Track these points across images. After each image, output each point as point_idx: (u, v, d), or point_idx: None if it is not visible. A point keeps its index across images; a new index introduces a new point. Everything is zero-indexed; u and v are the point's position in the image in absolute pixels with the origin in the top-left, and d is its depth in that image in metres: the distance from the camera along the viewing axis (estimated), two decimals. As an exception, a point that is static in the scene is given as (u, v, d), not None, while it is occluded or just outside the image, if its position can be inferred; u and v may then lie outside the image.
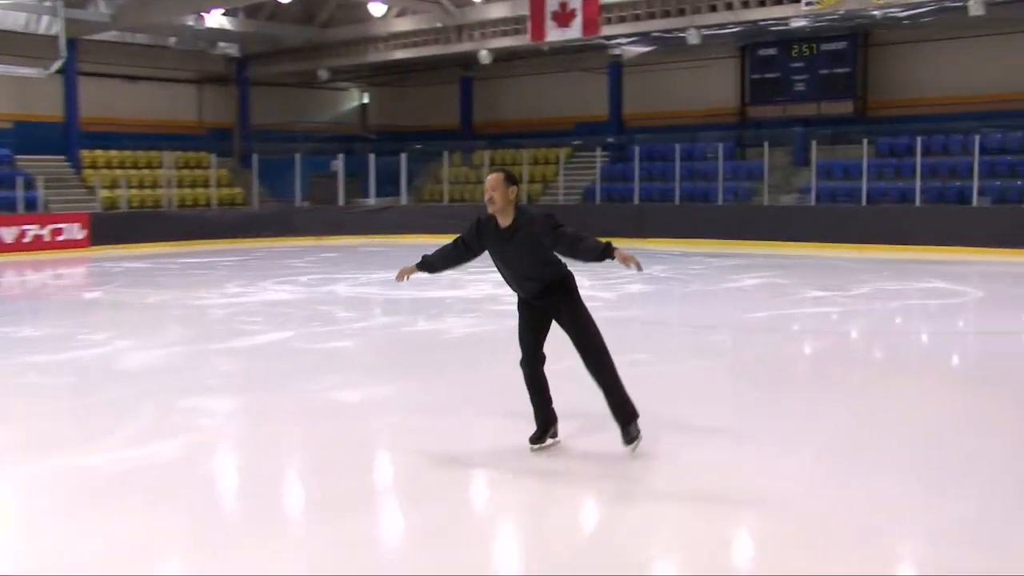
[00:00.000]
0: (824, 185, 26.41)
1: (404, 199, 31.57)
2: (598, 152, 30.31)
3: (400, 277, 6.37)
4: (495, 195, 6.11)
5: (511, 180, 6.15)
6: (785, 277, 17.53)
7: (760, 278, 17.46)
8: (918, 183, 24.52)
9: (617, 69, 32.32)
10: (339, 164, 30.94)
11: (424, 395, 8.15)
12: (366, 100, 39.49)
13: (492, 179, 6.12)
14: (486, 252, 6.33)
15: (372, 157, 31.18)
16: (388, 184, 31.81)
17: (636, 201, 28.25)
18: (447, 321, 12.55)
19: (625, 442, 6.18)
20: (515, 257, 6.13)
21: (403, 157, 31.22)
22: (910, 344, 11.12)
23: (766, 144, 27.31)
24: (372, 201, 31.17)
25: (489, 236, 6.22)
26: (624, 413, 6.20)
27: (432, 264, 6.45)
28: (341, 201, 30.83)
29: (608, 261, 5.71)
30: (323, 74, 33.46)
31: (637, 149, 29.63)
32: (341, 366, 9.58)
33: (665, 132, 31.12)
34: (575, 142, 32.17)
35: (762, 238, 24.63)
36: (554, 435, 6.47)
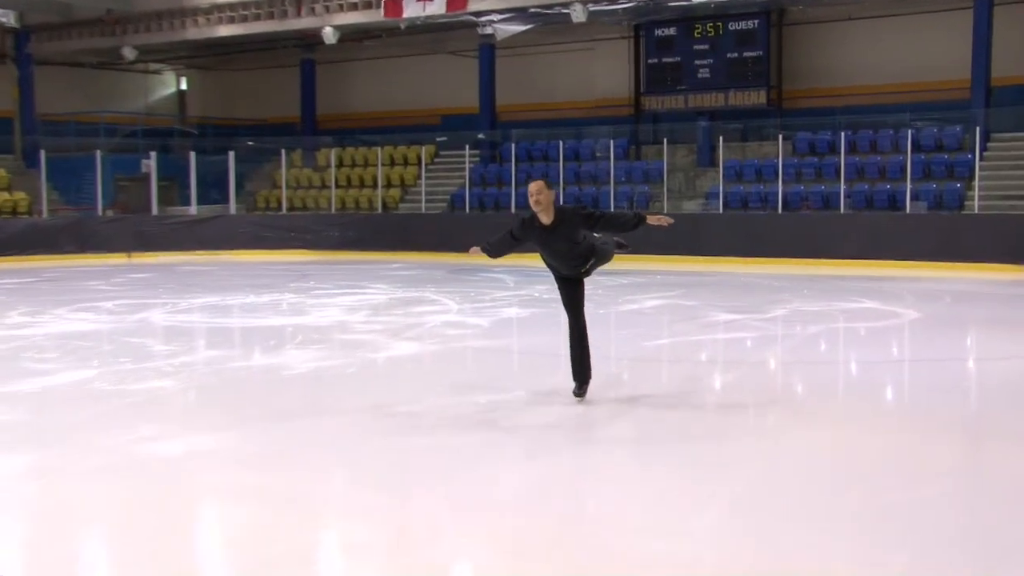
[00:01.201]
0: (734, 189, 27.14)
1: (233, 207, 31.27)
2: (467, 151, 30.57)
3: (471, 252, 9.38)
4: (541, 198, 8.71)
5: (550, 185, 8.85)
6: (690, 297, 17.91)
7: (661, 299, 17.81)
8: (842, 186, 25.38)
9: (489, 52, 32.63)
10: (151, 164, 30.42)
11: (261, 446, 8.06)
12: (184, 86, 38.94)
13: (537, 185, 8.72)
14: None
15: (193, 156, 30.79)
16: (213, 189, 31.41)
17: (512, 209, 28.54)
18: (287, 354, 12.45)
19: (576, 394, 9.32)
20: (559, 247, 8.93)
21: (231, 156, 30.90)
22: (836, 375, 11.46)
23: (665, 141, 27.97)
24: (193, 210, 30.77)
25: (533, 232, 8.93)
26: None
27: (493, 249, 9.33)
28: (155, 210, 30.30)
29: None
30: (129, 53, 32.88)
31: (513, 147, 30.02)
32: (158, 412, 9.40)
33: (546, 127, 31.56)
34: (440, 138, 32.37)
35: (662, 252, 25.03)
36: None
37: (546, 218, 8.81)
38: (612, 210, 8.75)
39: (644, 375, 11.19)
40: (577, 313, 9.18)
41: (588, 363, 9.23)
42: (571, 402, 9.03)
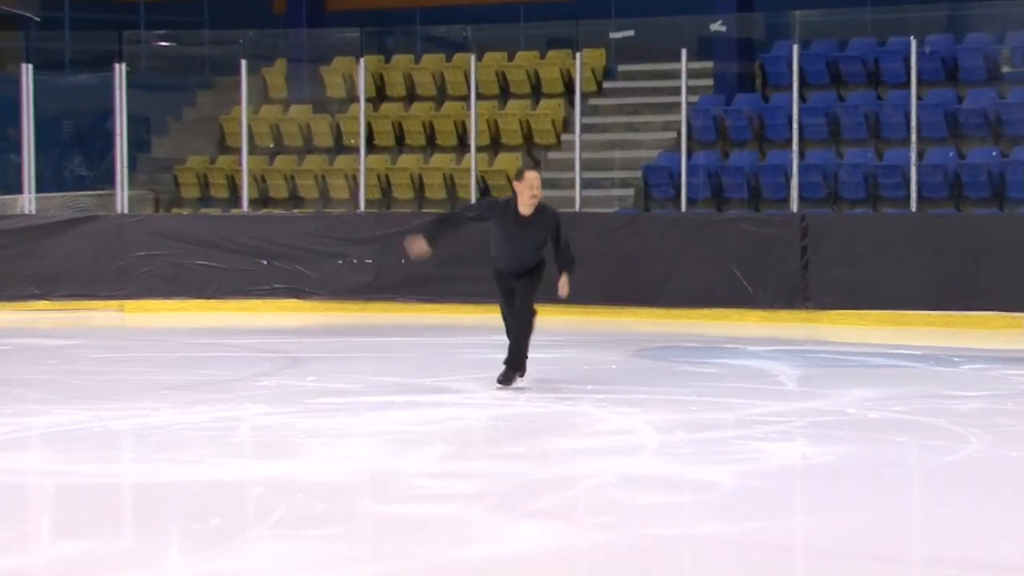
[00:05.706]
0: None
1: (122, 198, 31.70)
2: (684, 63, 30.43)
3: (417, 251, 20.13)
4: (539, 193, 19.27)
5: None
6: None
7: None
8: None
9: None
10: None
11: None
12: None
13: (537, 178, 19.22)
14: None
15: (29, 72, 31.30)
16: (77, 152, 31.66)
17: (794, 205, 28.81)
18: (249, 549, 12.23)
19: (499, 380, 20.09)
20: (525, 240, 19.76)
21: (119, 73, 31.31)
22: None
23: None
24: (29, 203, 31.17)
25: (508, 218, 19.53)
26: (516, 361, 20.08)
27: (434, 235, 20.20)
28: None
29: None
30: None
31: (795, 53, 29.87)
32: None
33: (863, 10, 31.37)
34: (617, 34, 32.23)
35: None
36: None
37: (526, 210, 18.62)
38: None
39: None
40: (509, 307, 19.68)
41: (526, 346, 19.42)
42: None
